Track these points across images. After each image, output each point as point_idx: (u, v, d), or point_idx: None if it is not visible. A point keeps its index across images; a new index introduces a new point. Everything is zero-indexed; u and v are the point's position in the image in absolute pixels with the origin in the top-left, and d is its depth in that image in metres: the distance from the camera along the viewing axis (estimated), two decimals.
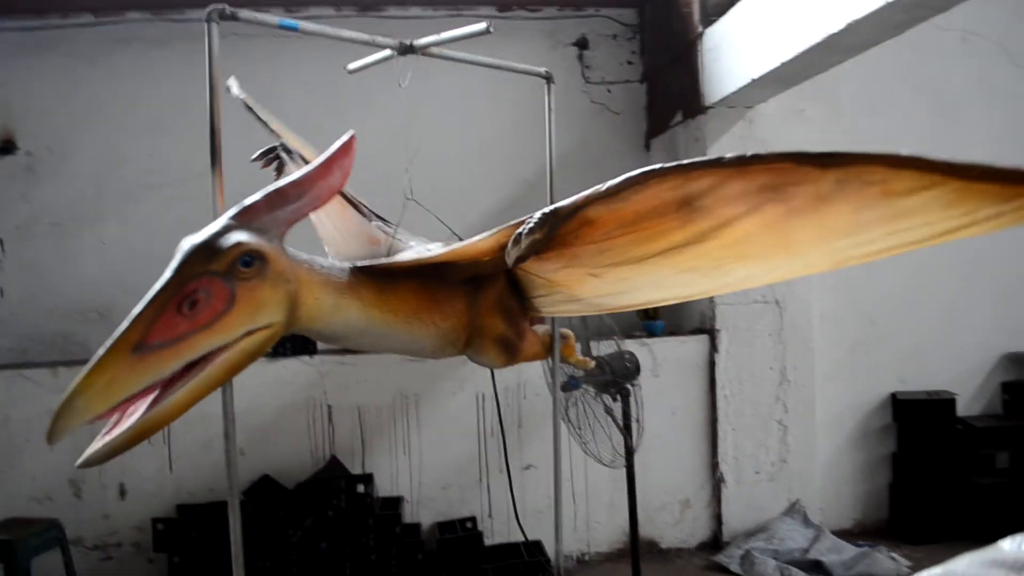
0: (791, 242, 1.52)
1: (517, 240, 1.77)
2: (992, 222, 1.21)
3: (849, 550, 4.34)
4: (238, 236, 1.68)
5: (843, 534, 4.67)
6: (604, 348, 3.98)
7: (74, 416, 1.51)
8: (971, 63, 4.99)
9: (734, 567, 4.35)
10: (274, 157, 2.88)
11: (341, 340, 2.10)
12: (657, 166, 1.48)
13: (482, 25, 2.58)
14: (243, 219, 1.75)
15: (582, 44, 5.55)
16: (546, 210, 1.70)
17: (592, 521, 4.58)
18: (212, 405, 4.44)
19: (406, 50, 2.76)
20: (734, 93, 4.28)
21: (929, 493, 4.68)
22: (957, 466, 4.70)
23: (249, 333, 1.71)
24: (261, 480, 4.28)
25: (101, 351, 1.52)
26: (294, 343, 4.37)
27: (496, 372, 4.41)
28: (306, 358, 4.39)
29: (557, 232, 1.74)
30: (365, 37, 2.64)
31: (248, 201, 1.79)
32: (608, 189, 1.57)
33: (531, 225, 1.73)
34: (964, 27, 4.97)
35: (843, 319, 4.87)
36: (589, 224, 1.70)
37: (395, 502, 4.33)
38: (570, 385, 3.95)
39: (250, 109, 3.06)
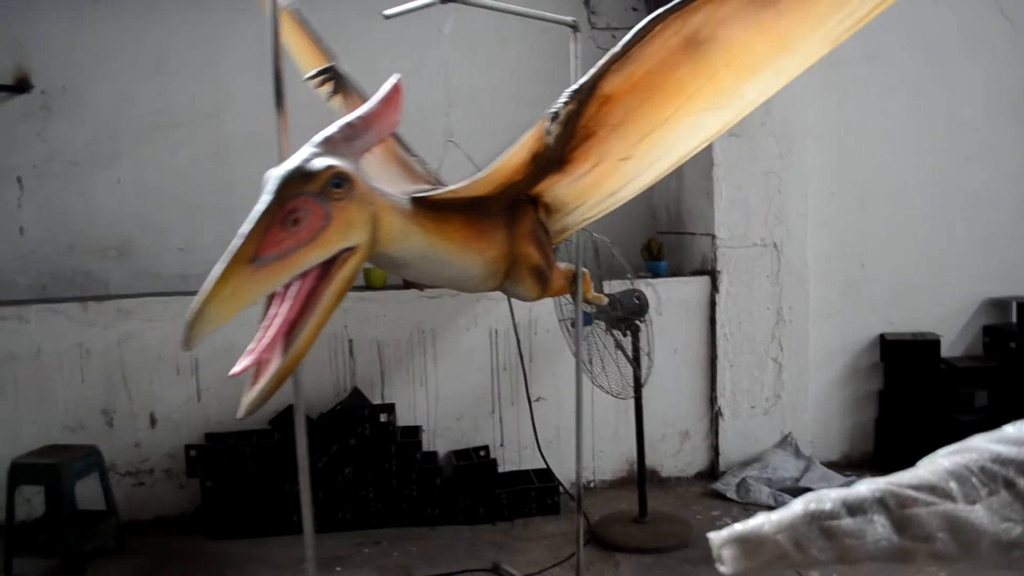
0: (788, 39, 1.72)
1: (556, 117, 1.93)
2: None
3: (838, 479, 4.65)
4: (327, 160, 1.86)
5: (831, 465, 4.99)
6: (615, 287, 4.20)
7: (207, 322, 1.70)
8: (964, 15, 5.15)
9: (730, 494, 4.65)
10: (329, 77, 2.97)
11: (406, 267, 2.27)
12: (657, 12, 1.65)
13: None
14: (325, 148, 1.93)
15: None
16: (568, 90, 1.87)
17: (597, 451, 4.85)
18: (239, 337, 4.63)
19: None
20: None
21: (912, 428, 4.99)
22: (939, 403, 5.00)
23: (343, 255, 1.89)
24: (286, 410, 4.48)
25: (222, 263, 1.69)
26: None
27: (508, 309, 4.65)
28: None
29: (583, 114, 1.89)
30: None
31: (326, 133, 1.97)
32: (620, 49, 1.73)
33: (564, 100, 1.89)
34: None
35: (835, 261, 5.11)
36: (608, 101, 1.87)
37: (414, 431, 4.57)
38: (582, 321, 4.18)
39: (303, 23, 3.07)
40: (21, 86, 5.07)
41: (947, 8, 5.10)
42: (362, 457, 4.33)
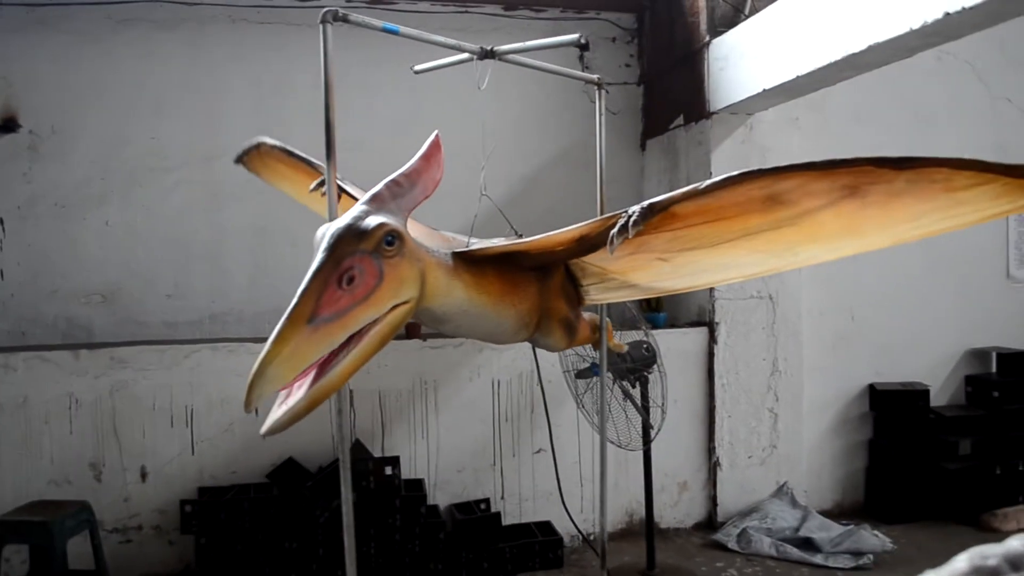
0: (860, 228, 1.79)
1: (623, 231, 1.95)
2: None
3: (836, 528, 4.69)
4: (380, 218, 1.86)
5: (824, 514, 5.01)
6: (623, 339, 4.21)
7: (267, 384, 1.67)
8: (945, 80, 5.40)
9: (732, 544, 4.64)
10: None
11: (445, 322, 2.27)
12: (754, 169, 1.69)
13: (574, 36, 2.77)
14: (374, 206, 1.93)
15: (583, 46, 5.74)
16: (644, 205, 1.90)
17: (598, 502, 4.80)
18: (235, 389, 4.51)
19: (486, 55, 2.91)
20: (741, 101, 4.55)
21: (901, 476, 5.08)
22: (927, 452, 5.11)
23: (394, 307, 1.88)
24: (285, 463, 4.37)
25: (280, 324, 1.66)
26: None
27: (510, 359, 4.63)
28: None
29: (647, 224, 1.93)
30: (452, 42, 2.80)
31: (374, 190, 2.00)
32: (706, 187, 1.77)
33: (635, 218, 1.92)
34: (939, 47, 5.36)
35: (827, 314, 5.23)
36: (672, 216, 1.90)
37: (417, 484, 4.48)
38: (591, 371, 4.18)
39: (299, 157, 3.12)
40: (8, 126, 4.93)
41: (932, 74, 5.33)
42: (364, 512, 4.22)
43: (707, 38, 4.82)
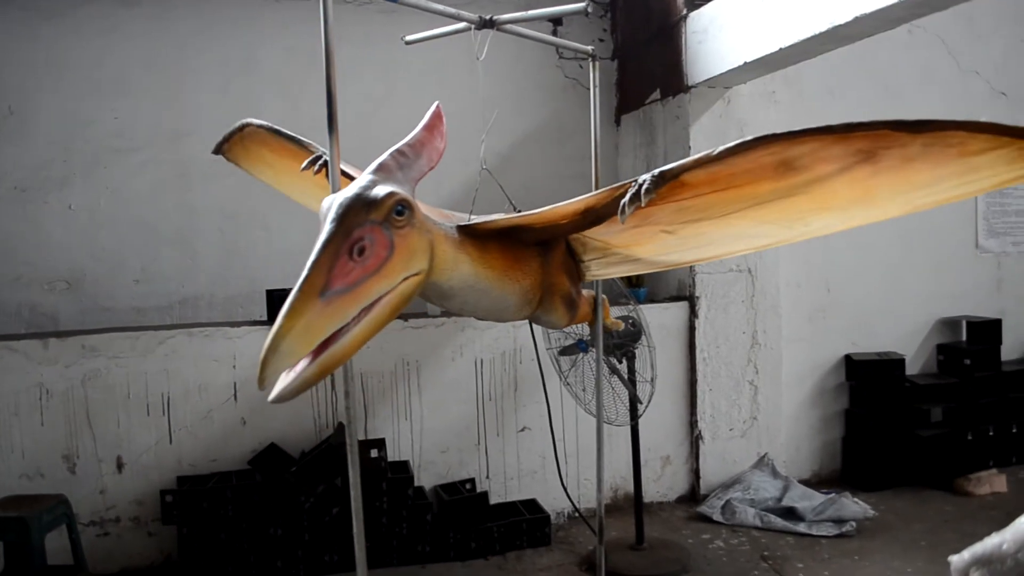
0: (872, 195, 1.76)
1: (636, 199, 1.91)
2: None
3: (818, 497, 4.74)
4: (388, 187, 1.80)
5: (803, 484, 5.08)
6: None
7: (281, 359, 1.59)
8: (916, 54, 5.45)
9: (716, 516, 4.68)
10: (322, 164, 2.88)
11: (452, 296, 2.20)
12: (769, 133, 1.66)
13: (581, 4, 2.70)
14: (380, 176, 1.87)
15: (556, 20, 5.68)
16: (655, 173, 1.85)
17: (582, 479, 4.81)
18: (211, 375, 4.40)
19: (485, 24, 2.82)
20: (721, 75, 4.53)
21: (877, 445, 5.16)
22: (902, 420, 5.19)
23: (405, 279, 1.83)
24: (267, 449, 4.28)
25: (292, 297, 1.59)
26: None
27: (492, 338, 4.59)
28: None
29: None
30: (451, 11, 2.70)
31: (379, 160, 1.93)
32: (719, 153, 1.72)
33: (647, 186, 1.88)
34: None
35: (804, 287, 5.27)
36: (681, 185, 1.85)
37: (403, 466, 4.42)
38: (576, 348, 4.15)
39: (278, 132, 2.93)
40: None
41: (903, 48, 5.36)
42: (350, 496, 4.14)
43: (684, 11, 4.79)
